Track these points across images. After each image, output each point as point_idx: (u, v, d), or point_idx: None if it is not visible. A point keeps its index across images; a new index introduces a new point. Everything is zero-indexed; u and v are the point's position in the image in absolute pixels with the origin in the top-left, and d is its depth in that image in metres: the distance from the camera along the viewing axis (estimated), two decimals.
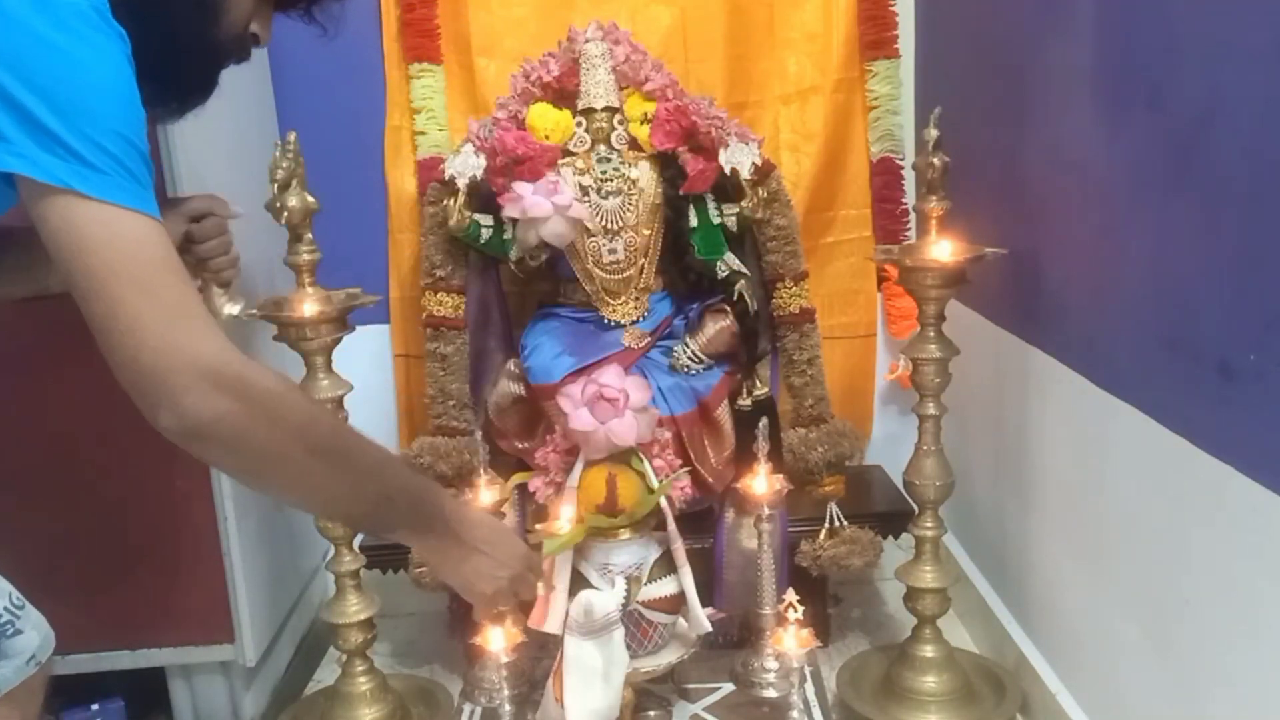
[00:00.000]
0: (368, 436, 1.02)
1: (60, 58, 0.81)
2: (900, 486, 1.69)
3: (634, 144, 1.75)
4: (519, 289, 1.93)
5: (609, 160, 1.73)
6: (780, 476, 1.59)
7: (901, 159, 2.05)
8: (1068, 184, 1.45)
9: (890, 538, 1.85)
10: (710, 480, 1.70)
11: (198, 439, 0.84)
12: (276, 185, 1.46)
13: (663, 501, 1.53)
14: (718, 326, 1.74)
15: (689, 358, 1.72)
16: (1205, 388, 1.10)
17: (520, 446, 1.77)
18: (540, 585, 1.39)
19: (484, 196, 1.76)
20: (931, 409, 1.57)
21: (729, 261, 1.76)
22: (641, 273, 1.78)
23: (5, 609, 1.01)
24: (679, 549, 1.53)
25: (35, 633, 1.04)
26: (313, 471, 0.93)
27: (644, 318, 1.79)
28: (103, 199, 0.80)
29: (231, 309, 1.24)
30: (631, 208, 1.74)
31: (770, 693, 1.59)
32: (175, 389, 0.81)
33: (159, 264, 0.83)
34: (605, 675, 1.45)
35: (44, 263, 0.86)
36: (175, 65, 0.93)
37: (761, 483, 1.55)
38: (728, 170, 1.73)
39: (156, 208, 0.85)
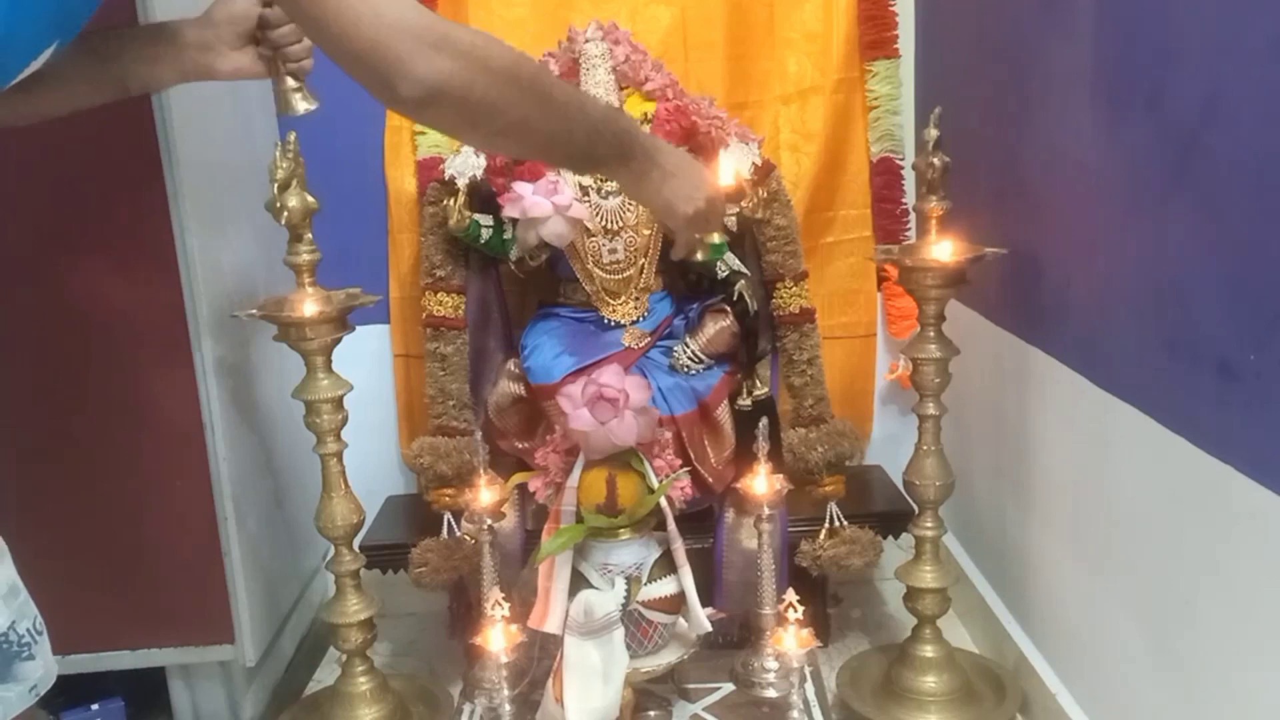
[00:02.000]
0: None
1: None
2: (900, 486, 1.69)
3: None
4: (519, 289, 1.93)
5: None
6: (780, 476, 1.58)
7: (901, 159, 2.05)
8: (1068, 184, 1.45)
9: (890, 538, 1.85)
10: (710, 480, 1.70)
11: (433, 101, 0.88)
12: (276, 185, 1.46)
13: (663, 501, 1.53)
14: (718, 326, 1.74)
15: (689, 358, 1.72)
16: (1205, 388, 1.10)
17: (520, 446, 1.77)
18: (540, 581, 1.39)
19: (484, 196, 1.76)
20: (931, 409, 1.57)
21: (729, 261, 1.76)
22: (641, 273, 1.78)
23: (28, 630, 1.00)
24: (679, 549, 1.53)
25: (43, 662, 1.03)
26: (530, 113, 0.97)
27: (644, 318, 1.79)
28: None
29: (308, 105, 1.20)
30: (631, 207, 1.74)
31: (770, 693, 1.59)
32: (403, 56, 0.85)
33: None
34: (605, 675, 1.45)
35: (123, 60, 0.93)
36: None
37: (761, 483, 1.55)
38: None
39: None
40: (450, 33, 0.89)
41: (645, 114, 1.74)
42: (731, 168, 1.54)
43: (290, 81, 1.17)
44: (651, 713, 1.60)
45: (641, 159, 1.14)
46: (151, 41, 1.11)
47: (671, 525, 1.53)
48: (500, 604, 1.36)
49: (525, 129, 0.98)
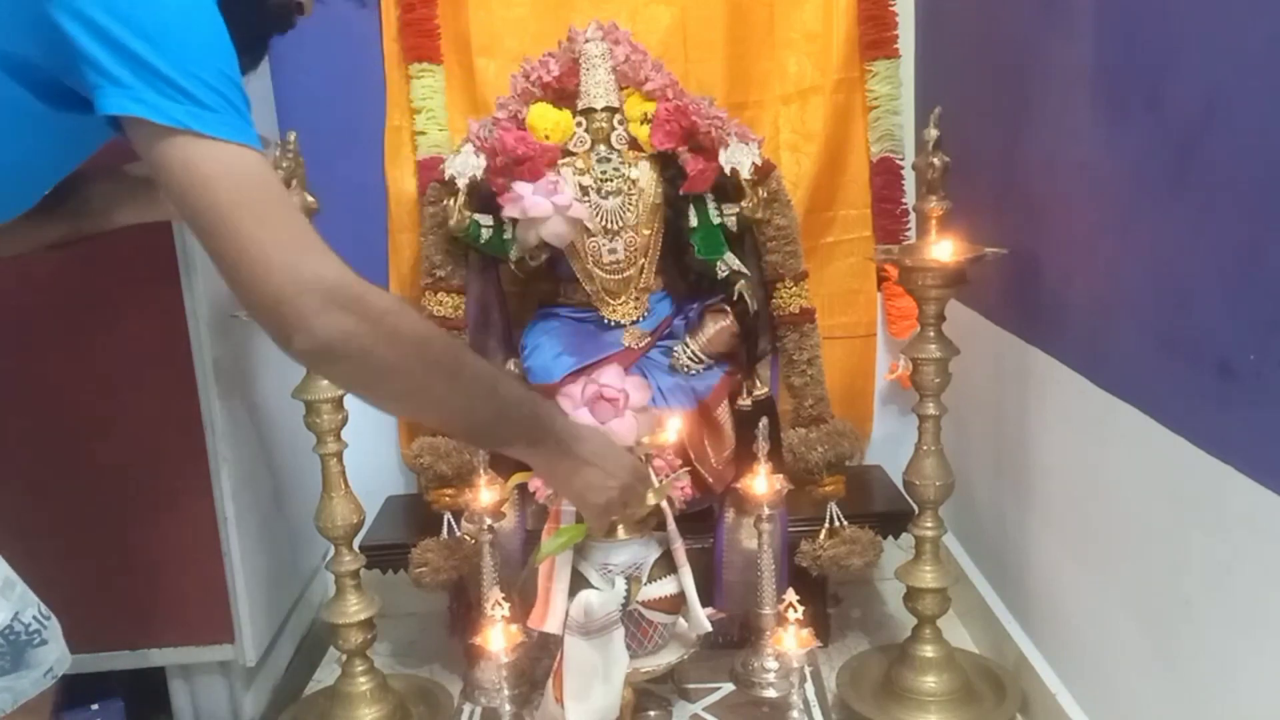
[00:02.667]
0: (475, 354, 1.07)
1: (159, 2, 0.82)
2: (900, 486, 1.69)
3: (634, 144, 1.75)
4: (519, 289, 1.93)
5: (609, 160, 1.73)
6: (780, 476, 1.59)
7: (901, 159, 2.05)
8: (1068, 184, 1.45)
9: (890, 538, 1.85)
10: (710, 480, 1.70)
11: (328, 358, 0.88)
12: None
13: (663, 502, 1.52)
14: (718, 326, 1.74)
15: (689, 358, 1.72)
16: (1205, 388, 1.10)
17: None
18: (539, 582, 1.39)
19: (484, 196, 1.76)
20: (931, 409, 1.57)
21: (729, 261, 1.76)
22: (641, 273, 1.78)
23: (34, 618, 1.02)
24: (679, 549, 1.53)
25: (57, 645, 1.04)
26: (433, 384, 0.97)
27: (644, 318, 1.79)
28: (217, 137, 0.83)
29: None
30: (631, 208, 1.74)
31: (770, 693, 1.59)
32: (304, 312, 0.84)
33: (276, 196, 0.87)
34: (605, 675, 1.45)
35: (112, 198, 0.95)
36: (234, 21, 0.93)
37: (761, 483, 1.55)
38: (728, 170, 1.73)
39: (259, 141, 0.87)
40: (364, 296, 0.88)
41: (645, 114, 1.74)
42: (675, 428, 1.52)
43: None
44: (651, 713, 1.60)
45: (552, 446, 1.14)
46: (117, 181, 1.12)
47: (671, 525, 1.53)
48: (500, 604, 1.36)
49: (424, 398, 0.99)
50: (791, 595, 1.37)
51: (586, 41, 1.74)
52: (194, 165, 0.83)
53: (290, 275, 0.84)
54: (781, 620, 1.38)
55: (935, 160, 1.51)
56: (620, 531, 1.49)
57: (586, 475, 1.18)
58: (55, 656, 1.04)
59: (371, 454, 1.95)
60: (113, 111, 0.81)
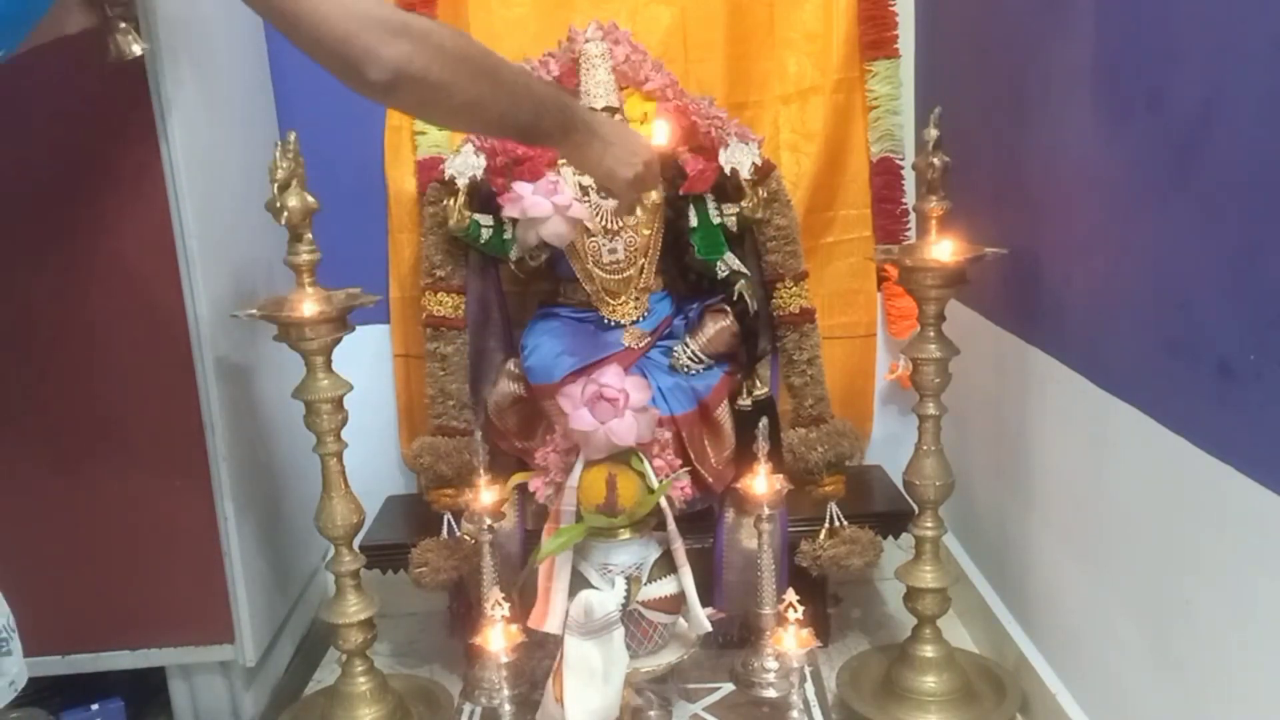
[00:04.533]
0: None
1: None
2: (900, 486, 1.69)
3: None
4: (519, 289, 1.93)
5: None
6: (780, 476, 1.58)
7: (901, 159, 2.05)
8: (1068, 184, 1.45)
9: (890, 538, 1.85)
10: (710, 480, 1.70)
11: (398, 86, 0.97)
12: (276, 185, 1.46)
13: (663, 501, 1.53)
14: (718, 326, 1.74)
15: (689, 358, 1.72)
16: (1205, 388, 1.10)
17: (520, 446, 1.77)
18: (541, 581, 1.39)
19: (484, 196, 1.76)
20: (931, 409, 1.57)
21: (729, 261, 1.76)
22: (641, 273, 1.78)
23: (3, 627, 1.01)
24: (679, 549, 1.53)
25: (19, 658, 1.04)
26: (483, 91, 1.06)
27: (644, 318, 1.79)
28: None
29: (137, 48, 1.22)
30: None
31: (770, 693, 1.59)
32: (372, 46, 0.94)
33: None
34: (605, 675, 1.45)
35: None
36: None
37: (761, 483, 1.55)
38: (728, 170, 1.73)
39: None
40: (408, 20, 0.98)
41: (645, 114, 1.74)
42: (665, 130, 1.63)
43: (120, 24, 1.19)
44: (651, 713, 1.60)
45: (583, 131, 1.23)
46: None
47: (671, 525, 1.53)
48: (500, 604, 1.36)
49: (478, 106, 1.07)
50: (791, 595, 1.37)
51: (586, 41, 1.74)
52: None
53: (349, 14, 0.93)
54: (781, 620, 1.38)
55: (935, 160, 1.51)
56: (623, 534, 1.50)
57: (615, 153, 1.26)
58: (16, 669, 1.03)
59: (371, 454, 1.95)
60: None
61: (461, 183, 1.73)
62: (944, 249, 1.51)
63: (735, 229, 1.78)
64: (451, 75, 1.01)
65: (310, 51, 0.96)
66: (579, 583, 1.50)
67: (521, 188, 1.67)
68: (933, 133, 1.51)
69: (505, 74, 1.11)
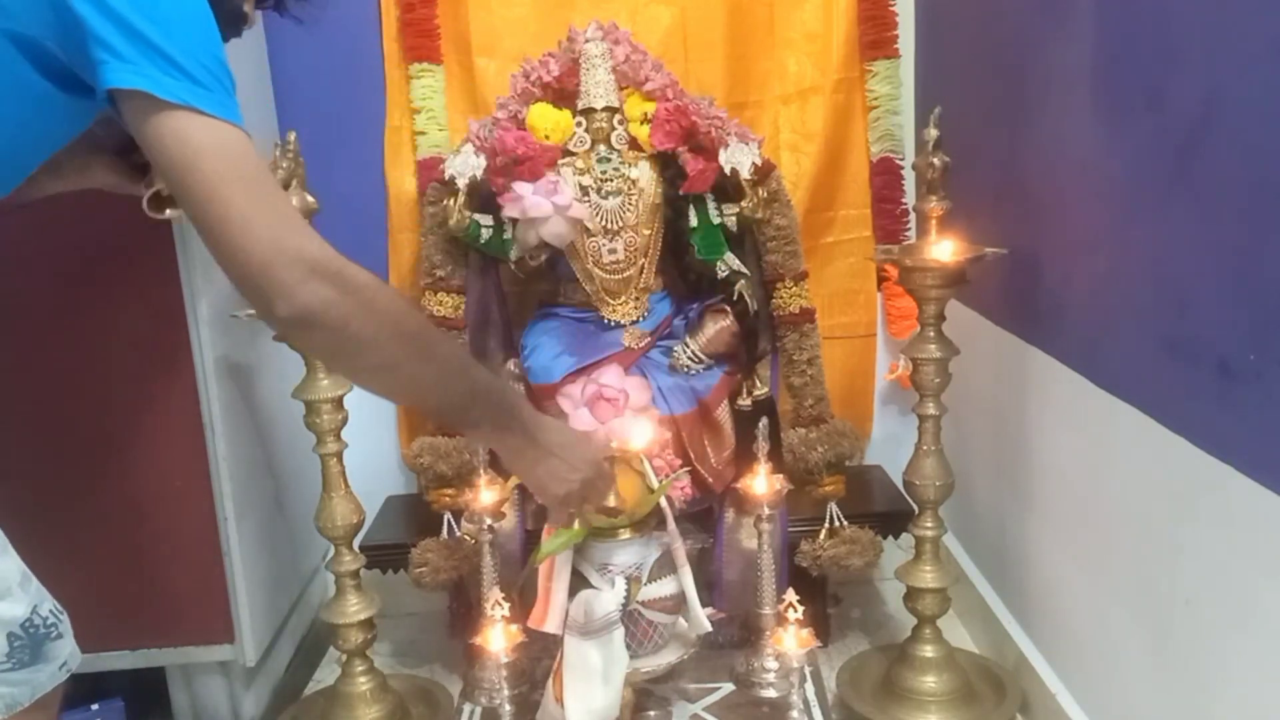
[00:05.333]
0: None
1: None
2: (900, 486, 1.69)
3: (634, 144, 1.75)
4: (519, 289, 1.93)
5: (609, 160, 1.73)
6: (780, 476, 1.58)
7: (901, 159, 2.05)
8: (1068, 184, 1.45)
9: (890, 538, 1.85)
10: (710, 480, 1.70)
11: (307, 327, 0.92)
12: None
13: (663, 501, 1.52)
14: (718, 326, 1.74)
15: (689, 358, 1.72)
16: (1205, 388, 1.10)
17: None
18: (540, 581, 1.38)
19: (484, 196, 1.76)
20: (931, 409, 1.57)
21: (729, 261, 1.76)
22: (641, 273, 1.78)
23: (51, 611, 1.04)
24: (679, 549, 1.53)
25: (69, 640, 1.06)
26: (407, 359, 1.01)
27: (644, 318, 1.79)
28: (211, 114, 0.88)
29: (174, 212, 1.25)
30: (631, 208, 1.74)
31: (770, 693, 1.59)
32: (288, 281, 0.89)
33: (264, 174, 0.93)
34: (605, 675, 1.45)
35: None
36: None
37: (761, 483, 1.55)
38: (728, 170, 1.73)
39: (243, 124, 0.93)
40: (345, 270, 0.92)
41: (645, 114, 1.74)
42: (647, 433, 1.50)
43: (159, 188, 1.22)
44: (651, 713, 1.60)
45: (519, 433, 1.17)
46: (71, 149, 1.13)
47: (671, 525, 1.53)
48: (500, 604, 1.36)
49: (399, 374, 1.02)
50: (791, 595, 1.37)
51: (586, 41, 1.74)
52: (188, 138, 0.88)
53: (275, 244, 0.89)
54: (781, 620, 1.38)
55: (935, 160, 1.51)
56: (623, 534, 1.50)
57: (550, 465, 1.21)
58: (69, 650, 1.06)
59: (371, 454, 1.95)
60: (117, 85, 0.87)
61: (461, 183, 1.72)
62: (944, 249, 1.51)
63: (735, 229, 1.78)
64: (373, 334, 0.96)
65: (227, 271, 0.91)
66: (579, 583, 1.49)
67: (521, 188, 1.67)
68: (933, 133, 1.51)
69: (441, 351, 1.08)
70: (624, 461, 1.46)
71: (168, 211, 1.25)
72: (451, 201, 1.74)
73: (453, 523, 1.78)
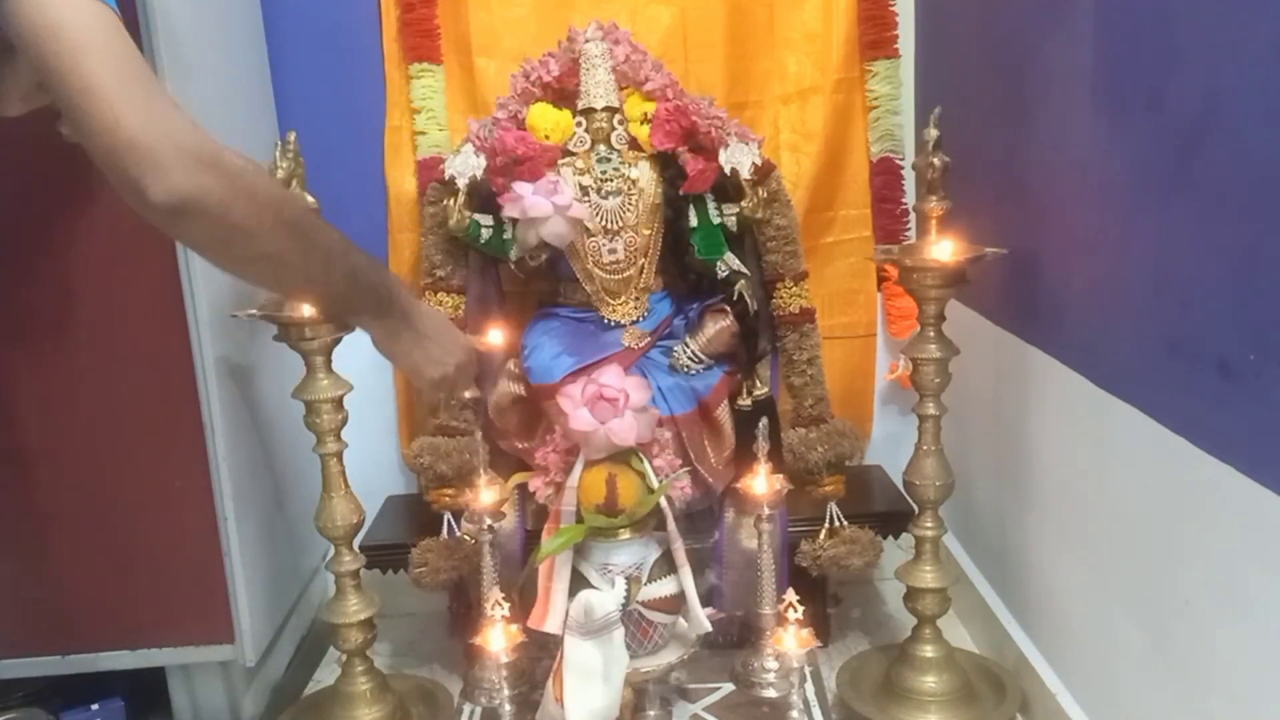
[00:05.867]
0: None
1: None
2: (900, 486, 1.69)
3: (634, 144, 1.75)
4: (519, 289, 1.93)
5: (609, 160, 1.74)
6: (780, 476, 1.58)
7: (901, 159, 2.05)
8: (1068, 184, 1.45)
9: (890, 538, 1.85)
10: (710, 480, 1.70)
11: (184, 215, 0.86)
12: None
13: (663, 501, 1.53)
14: (718, 326, 1.74)
15: (689, 358, 1.72)
16: (1205, 388, 1.10)
17: (520, 446, 1.77)
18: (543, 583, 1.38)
19: (484, 196, 1.76)
20: (931, 409, 1.57)
21: (729, 261, 1.76)
22: (641, 273, 1.78)
23: None
24: (679, 549, 1.53)
25: None
26: (288, 247, 0.98)
27: (644, 318, 1.79)
28: None
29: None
30: (631, 208, 1.74)
31: (770, 693, 1.59)
32: (161, 163, 0.83)
33: (132, 50, 0.86)
34: (605, 675, 1.45)
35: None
36: None
37: (761, 483, 1.55)
38: (728, 170, 1.73)
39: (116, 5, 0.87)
40: (221, 155, 0.88)
41: (645, 114, 1.74)
42: (500, 336, 1.57)
43: None
44: (651, 713, 1.60)
45: (398, 318, 1.18)
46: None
47: (671, 525, 1.53)
48: (500, 604, 1.36)
49: (279, 262, 0.99)
50: (791, 595, 1.37)
51: (586, 41, 1.74)
52: (47, 8, 0.82)
53: (146, 124, 0.83)
54: (781, 620, 1.38)
55: (935, 160, 1.51)
56: (623, 534, 1.50)
57: (426, 348, 1.22)
58: None
59: (371, 454, 1.95)
60: None
61: (461, 183, 1.73)
62: (944, 249, 1.51)
63: (735, 229, 1.78)
64: (255, 222, 0.92)
65: (91, 150, 0.84)
66: (579, 583, 1.50)
67: (521, 188, 1.67)
68: (933, 133, 1.51)
69: (322, 239, 1.05)
70: (623, 465, 1.47)
71: None
72: (451, 201, 1.74)
73: (453, 523, 1.78)
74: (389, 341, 1.21)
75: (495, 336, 1.56)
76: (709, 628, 1.53)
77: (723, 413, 1.73)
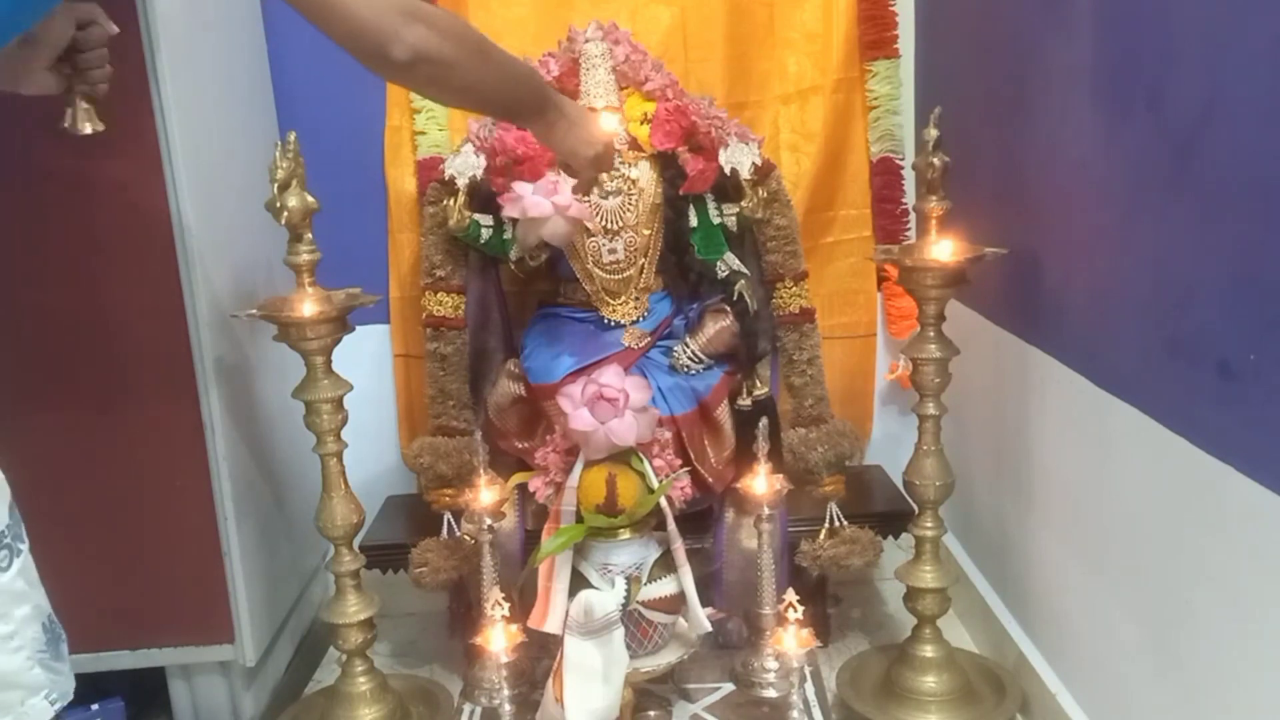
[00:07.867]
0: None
1: None
2: (900, 486, 1.69)
3: (634, 144, 1.75)
4: (519, 289, 1.93)
5: None
6: (780, 476, 1.59)
7: (901, 159, 2.05)
8: (1068, 184, 1.45)
9: (890, 538, 1.85)
10: (710, 480, 1.70)
11: (416, 63, 1.06)
12: (276, 185, 1.46)
13: (663, 501, 1.53)
14: (718, 326, 1.74)
15: (689, 358, 1.72)
16: (1205, 388, 1.10)
17: (520, 446, 1.77)
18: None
19: (484, 196, 1.76)
20: (931, 409, 1.57)
21: (729, 261, 1.76)
22: (641, 273, 1.78)
23: (54, 618, 1.02)
24: (679, 549, 1.53)
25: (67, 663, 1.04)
26: (480, 70, 1.16)
27: (644, 318, 1.79)
28: None
29: (96, 126, 1.19)
30: (631, 208, 1.74)
31: (770, 693, 1.59)
32: (396, 30, 1.03)
33: None
34: (605, 675, 1.45)
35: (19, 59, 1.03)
36: None
37: (761, 483, 1.55)
38: (728, 170, 1.73)
39: None
40: (419, 6, 1.07)
41: (645, 114, 1.74)
42: (614, 121, 1.70)
43: (82, 102, 1.18)
44: (651, 713, 1.60)
45: (554, 110, 1.31)
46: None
47: (671, 525, 1.53)
48: (500, 604, 1.37)
49: (478, 84, 1.17)
50: (791, 595, 1.37)
51: (586, 41, 1.74)
52: None
53: (371, 4, 1.03)
54: (781, 620, 1.39)
55: (935, 160, 1.51)
56: (623, 534, 1.50)
57: (578, 133, 1.34)
58: (67, 670, 1.02)
59: (371, 454, 1.95)
60: None
61: (461, 183, 1.73)
62: (944, 249, 1.51)
63: (735, 229, 1.78)
64: (456, 55, 1.10)
65: (341, 39, 1.04)
66: (579, 583, 1.50)
67: (521, 188, 1.67)
68: (933, 133, 1.51)
69: (495, 55, 1.19)
70: (623, 465, 1.46)
71: (87, 127, 1.19)
72: (451, 201, 1.74)
73: (453, 523, 1.78)
74: (548, 131, 1.32)
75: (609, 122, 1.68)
76: (709, 628, 1.53)
77: (723, 413, 1.73)
